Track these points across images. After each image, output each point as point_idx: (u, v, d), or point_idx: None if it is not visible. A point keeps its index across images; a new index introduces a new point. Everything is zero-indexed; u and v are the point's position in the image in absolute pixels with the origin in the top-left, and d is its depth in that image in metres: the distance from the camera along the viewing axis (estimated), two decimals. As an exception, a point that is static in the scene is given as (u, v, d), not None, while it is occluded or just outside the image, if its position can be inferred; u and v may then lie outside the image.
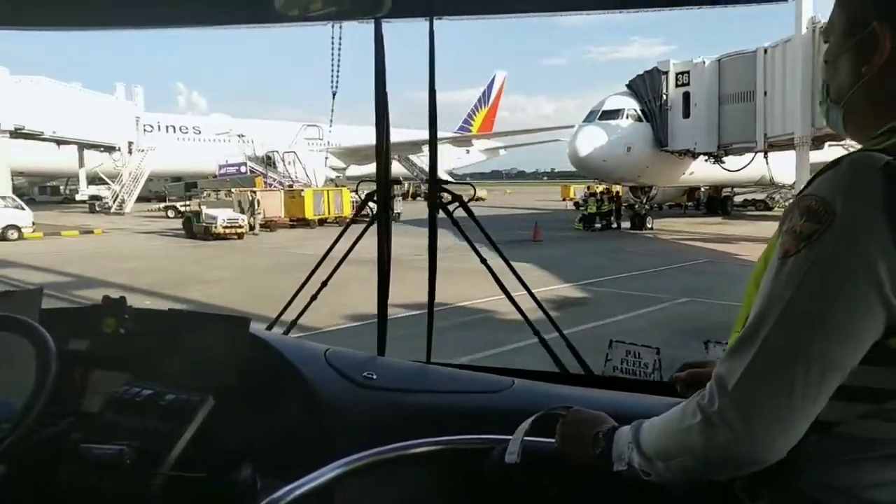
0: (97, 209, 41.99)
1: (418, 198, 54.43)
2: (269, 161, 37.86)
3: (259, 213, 26.24)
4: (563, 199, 54.18)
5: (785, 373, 0.84)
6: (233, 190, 27.34)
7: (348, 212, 30.49)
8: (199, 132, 57.47)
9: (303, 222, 28.46)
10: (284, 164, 34.40)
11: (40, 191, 56.93)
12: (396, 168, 59.74)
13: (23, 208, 23.67)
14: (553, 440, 1.18)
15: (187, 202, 36.26)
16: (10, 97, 32.18)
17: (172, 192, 40.43)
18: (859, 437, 0.88)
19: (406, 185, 59.36)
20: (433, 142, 2.13)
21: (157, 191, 48.99)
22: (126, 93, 45.22)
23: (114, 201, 41.48)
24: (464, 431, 1.46)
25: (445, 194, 2.13)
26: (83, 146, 42.29)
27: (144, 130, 46.18)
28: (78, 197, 47.24)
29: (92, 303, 1.90)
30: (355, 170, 59.76)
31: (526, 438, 1.22)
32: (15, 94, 33.41)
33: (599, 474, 1.09)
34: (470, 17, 1.83)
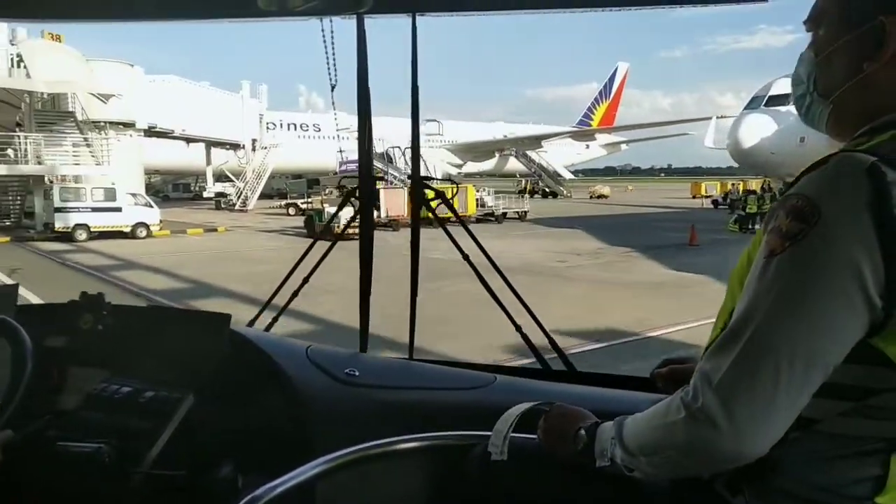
0: (222, 206, 42.89)
1: (536, 195, 52.30)
2: (388, 158, 36.87)
3: (382, 211, 25.01)
4: (694, 197, 50.39)
5: (769, 370, 0.83)
6: (355, 187, 26.16)
7: (473, 210, 28.81)
8: (319, 129, 58.10)
9: (425, 221, 26.91)
10: (406, 160, 33.18)
11: (173, 188, 59.44)
12: (515, 164, 58.09)
13: (151, 206, 23.60)
14: (535, 436, 1.17)
15: (308, 199, 36.14)
16: (144, 96, 32.88)
17: (293, 190, 40.50)
18: (841, 434, 0.89)
19: (523, 182, 57.23)
20: (415, 140, 2.10)
21: (279, 188, 49.63)
22: (251, 91, 45.88)
23: (238, 198, 42.14)
24: (446, 428, 1.45)
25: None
26: (210, 144, 43.50)
27: (267, 128, 46.76)
28: (205, 194, 48.74)
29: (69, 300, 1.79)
30: (472, 166, 58.49)
31: (512, 435, 1.21)
32: (149, 93, 34.20)
33: (583, 470, 1.08)
34: (451, 13, 1.77)
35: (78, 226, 21.90)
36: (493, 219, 30.13)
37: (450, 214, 2.30)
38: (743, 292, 0.91)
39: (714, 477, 1.01)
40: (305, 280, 2.22)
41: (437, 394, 1.63)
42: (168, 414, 1.51)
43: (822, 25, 0.99)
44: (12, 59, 27.84)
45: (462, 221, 2.17)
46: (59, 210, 21.78)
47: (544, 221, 27.69)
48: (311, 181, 25.82)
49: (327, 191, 25.25)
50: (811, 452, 0.92)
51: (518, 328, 2.03)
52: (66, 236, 21.64)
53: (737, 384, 0.85)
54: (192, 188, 60.35)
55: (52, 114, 27.69)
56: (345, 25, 1.91)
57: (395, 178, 32.97)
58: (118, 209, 22.61)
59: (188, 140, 40.94)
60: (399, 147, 33.53)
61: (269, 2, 1.49)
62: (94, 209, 22.32)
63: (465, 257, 2.11)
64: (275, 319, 2.21)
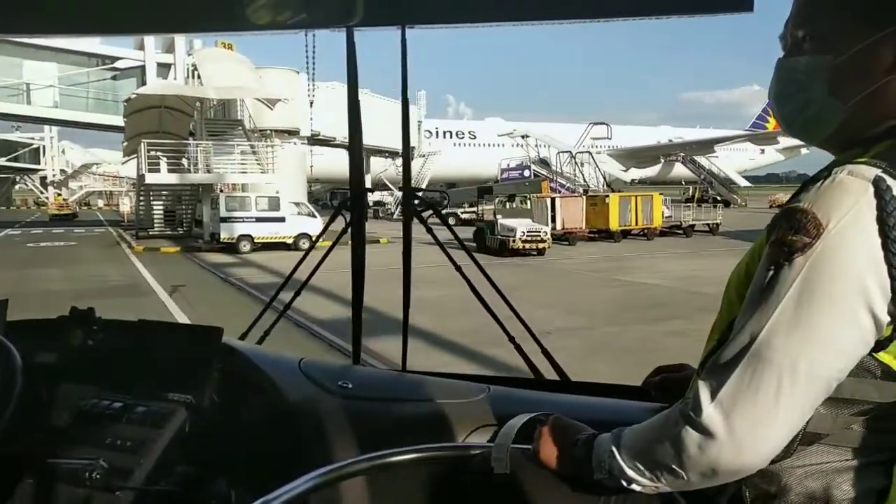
0: (380, 215, 42.37)
1: (705, 203, 47.08)
2: (545, 163, 34.10)
3: (557, 223, 22.23)
4: None
5: (771, 384, 0.82)
6: (529, 196, 23.62)
7: (659, 222, 25.21)
8: (475, 137, 56.85)
9: (604, 234, 23.81)
10: (578, 166, 30.21)
11: (331, 196, 60.19)
12: (680, 170, 53.28)
13: (314, 216, 22.44)
14: (531, 447, 1.15)
15: (471, 209, 34.28)
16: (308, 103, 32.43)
17: (455, 199, 38.83)
18: (846, 447, 0.89)
19: (690, 190, 51.97)
20: (406, 151, 2.04)
21: (433, 197, 48.29)
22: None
23: (396, 207, 41.28)
24: (440, 439, 1.43)
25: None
26: (370, 152, 43.26)
27: (424, 136, 45.77)
28: (363, 203, 48.60)
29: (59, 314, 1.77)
30: (636, 173, 54.43)
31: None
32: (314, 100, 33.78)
33: (580, 482, 1.08)
34: (441, 25, 1.75)
35: (242, 236, 21.09)
36: (679, 231, 26.32)
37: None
38: (745, 305, 0.88)
39: (717, 491, 0.96)
40: (297, 292, 2.12)
41: (430, 405, 1.57)
42: (160, 429, 1.50)
43: (824, 29, 0.92)
44: (188, 70, 28.31)
45: (454, 232, 2.02)
46: (224, 220, 21.08)
47: (739, 235, 23.40)
48: (483, 189, 23.57)
49: (497, 200, 22.73)
50: (816, 465, 0.90)
51: (511, 339, 1.96)
52: (231, 247, 20.90)
53: (738, 397, 0.83)
54: (349, 197, 60.54)
55: (221, 122, 27.67)
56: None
57: (562, 185, 30.03)
58: (281, 219, 21.53)
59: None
60: (569, 151, 30.56)
61: (259, 15, 1.46)
62: (258, 219, 21.43)
63: (458, 268, 2.03)
64: (267, 332, 2.09)
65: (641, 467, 0.95)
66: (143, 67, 28.91)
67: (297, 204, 22.51)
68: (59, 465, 1.44)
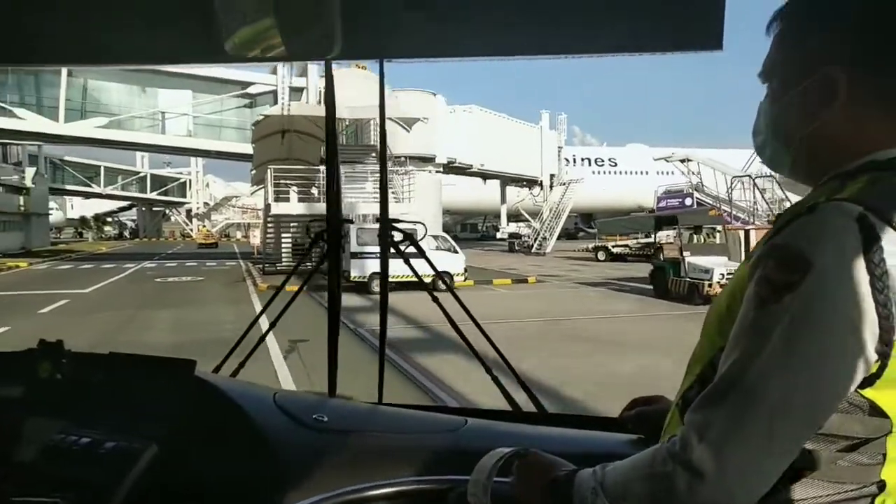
0: (516, 248, 39.37)
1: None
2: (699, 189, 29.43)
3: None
4: None
5: (762, 423, 0.81)
6: (718, 228, 19.31)
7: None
8: (615, 164, 52.79)
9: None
10: (760, 193, 25.34)
11: (461, 228, 58.14)
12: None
13: (456, 251, 19.42)
14: (508, 479, 1.12)
15: (621, 241, 30.32)
16: (444, 128, 29.92)
17: (605, 230, 34.84)
18: (832, 482, 0.88)
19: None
20: (384, 181, 2.13)
21: (566, 227, 44.85)
22: (550, 122, 41.72)
23: (535, 240, 37.93)
24: (418, 472, 1.43)
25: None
26: (506, 180, 40.54)
27: (563, 164, 42.28)
28: (498, 235, 45.87)
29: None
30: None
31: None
32: (449, 125, 31.26)
33: None
34: (419, 59, 1.75)
35: (375, 274, 18.35)
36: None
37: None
38: (732, 343, 0.87)
39: None
40: (272, 325, 2.12)
41: (407, 438, 1.57)
42: (129, 465, 1.45)
43: (774, 77, 0.99)
44: (320, 94, 26.58)
45: (432, 265, 2.07)
46: (355, 255, 18.46)
47: None
48: (665, 220, 19.56)
49: (676, 232, 18.57)
50: (801, 501, 0.88)
51: (488, 370, 1.94)
52: (362, 286, 18.24)
53: (729, 437, 0.82)
54: (479, 228, 58.41)
55: (353, 148, 25.55)
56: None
57: (736, 217, 25.25)
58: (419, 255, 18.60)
59: (485, 176, 38.04)
60: (748, 176, 25.77)
61: (241, 47, 1.47)
62: (393, 254, 18.68)
63: (435, 299, 2.05)
64: (241, 365, 2.06)
65: None
66: (275, 92, 27.64)
67: (435, 237, 19.56)
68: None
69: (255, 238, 33.96)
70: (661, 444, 0.90)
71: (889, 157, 0.88)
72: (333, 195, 2.02)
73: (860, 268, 0.79)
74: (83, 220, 79.98)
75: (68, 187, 64.21)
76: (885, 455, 0.86)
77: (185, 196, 79.38)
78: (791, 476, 0.86)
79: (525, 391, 1.87)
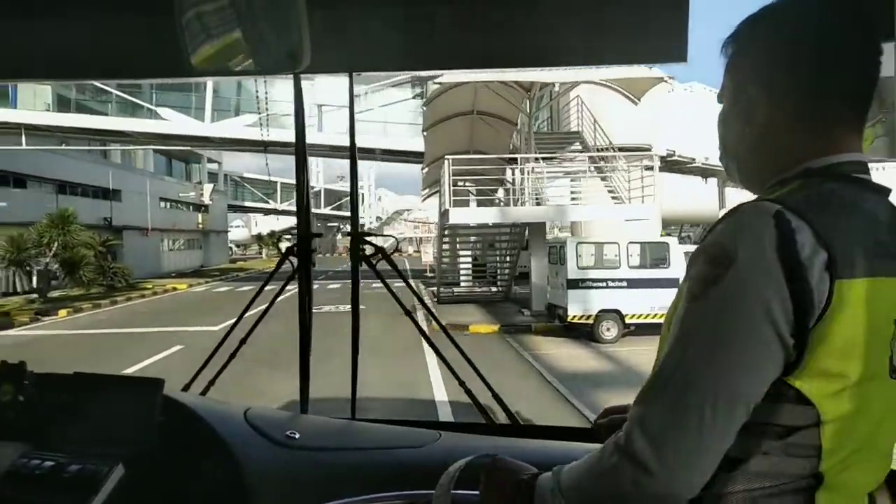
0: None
1: None
2: None
3: None
4: None
5: (694, 411, 0.86)
6: None
7: None
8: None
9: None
10: None
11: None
12: None
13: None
14: (477, 492, 1.14)
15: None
16: (661, 111, 22.90)
17: None
18: (766, 474, 0.92)
19: None
20: (354, 194, 2.11)
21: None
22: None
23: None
24: (390, 488, 1.44)
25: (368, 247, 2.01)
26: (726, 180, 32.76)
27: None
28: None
29: None
30: None
31: (452, 492, 1.17)
32: (667, 107, 24.14)
33: None
34: (386, 72, 1.24)
35: (604, 312, 12.07)
36: None
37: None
38: (668, 338, 0.93)
39: None
40: (243, 341, 2.05)
41: (380, 453, 1.57)
42: (94, 488, 1.43)
43: (723, 99, 1.08)
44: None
45: (404, 277, 2.07)
46: (574, 283, 12.29)
47: None
48: None
49: None
50: (740, 493, 0.92)
51: (462, 383, 1.93)
52: (584, 330, 12.07)
53: (665, 427, 0.86)
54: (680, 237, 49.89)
55: (553, 137, 19.50)
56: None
57: None
58: (672, 281, 11.72)
59: (705, 175, 30.49)
60: None
61: (211, 61, 1.46)
62: (631, 282, 12.23)
63: (407, 313, 2.06)
64: (211, 382, 2.02)
65: (581, 502, 0.96)
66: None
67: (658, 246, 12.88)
68: None
69: (427, 255, 29.07)
70: (611, 438, 0.92)
71: (822, 165, 0.96)
72: (304, 208, 1.98)
73: (775, 260, 0.84)
74: (259, 236, 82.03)
75: (247, 204, 64.87)
76: (819, 448, 0.89)
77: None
78: (727, 466, 0.89)
79: (499, 404, 1.87)
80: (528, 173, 15.62)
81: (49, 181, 27.52)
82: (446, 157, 15.02)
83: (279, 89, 16.31)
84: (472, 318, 15.01)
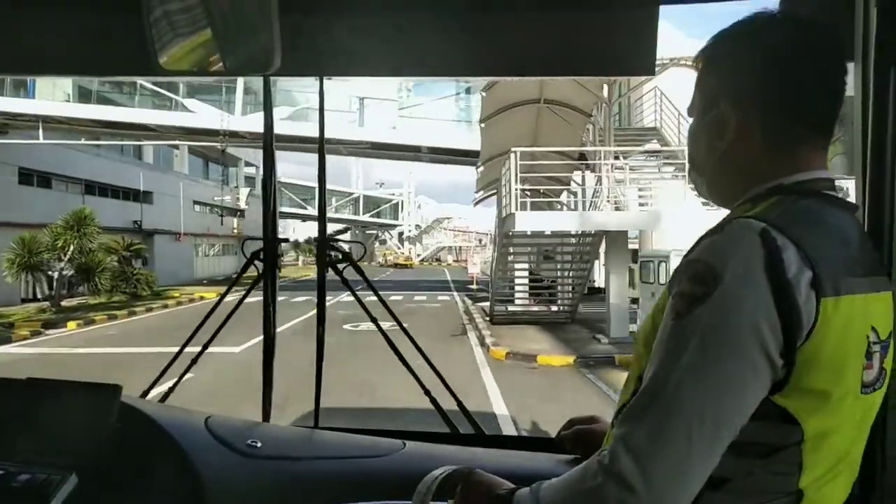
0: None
1: None
2: None
3: None
4: None
5: (681, 432, 0.86)
6: None
7: None
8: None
9: None
10: None
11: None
12: None
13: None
14: (448, 503, 1.15)
15: None
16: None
17: None
18: (748, 492, 0.92)
19: None
20: (322, 199, 2.05)
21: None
22: None
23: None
24: (353, 498, 1.42)
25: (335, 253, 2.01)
26: None
27: None
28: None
29: None
30: None
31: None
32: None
33: None
34: (358, 77, 1.79)
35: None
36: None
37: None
38: (652, 356, 0.92)
39: None
40: (205, 346, 2.01)
41: (343, 463, 1.56)
42: (45, 498, 1.40)
43: (692, 114, 1.09)
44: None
45: (370, 284, 2.04)
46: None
47: None
48: None
49: None
50: None
51: (427, 392, 1.92)
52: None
53: (651, 447, 0.86)
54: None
55: (626, 133, 16.95)
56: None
57: None
58: None
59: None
60: None
61: (180, 62, 1.46)
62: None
63: (373, 320, 1.99)
64: (171, 389, 1.98)
65: None
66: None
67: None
68: None
69: (475, 266, 26.62)
70: (593, 457, 0.92)
71: (793, 182, 0.97)
72: (270, 215, 1.95)
73: (763, 279, 0.84)
74: (297, 243, 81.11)
75: (284, 210, 63.59)
76: (800, 465, 0.90)
77: (397, 218, 76.62)
78: (712, 486, 0.89)
79: (463, 413, 1.87)
80: (610, 171, 13.06)
81: (76, 181, 26.04)
82: (513, 149, 12.56)
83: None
84: (539, 346, 12.52)
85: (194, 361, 1.98)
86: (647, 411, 0.87)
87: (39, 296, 21.33)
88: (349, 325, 15.37)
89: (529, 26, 1.51)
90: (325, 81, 1.89)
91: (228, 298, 2.10)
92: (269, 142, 1.94)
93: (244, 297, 2.01)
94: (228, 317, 1.98)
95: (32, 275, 19.30)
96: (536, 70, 1.70)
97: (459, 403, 1.87)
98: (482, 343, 13.39)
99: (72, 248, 19.03)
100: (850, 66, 1.08)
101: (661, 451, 0.85)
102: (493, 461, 1.46)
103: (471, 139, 20.29)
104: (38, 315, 17.78)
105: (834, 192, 0.98)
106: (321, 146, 1.98)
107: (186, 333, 1.98)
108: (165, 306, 21.38)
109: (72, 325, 16.41)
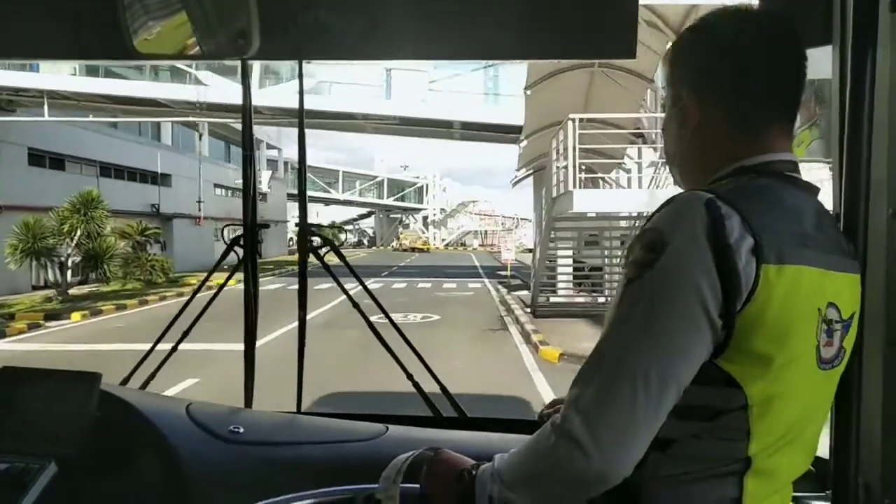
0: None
1: None
2: None
3: None
4: None
5: (626, 391, 0.88)
6: None
7: None
8: None
9: None
10: None
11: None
12: None
13: None
14: (419, 485, 1.14)
15: None
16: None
17: None
18: (695, 457, 0.95)
19: None
20: (302, 185, 2.03)
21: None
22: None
23: None
24: (336, 483, 1.41)
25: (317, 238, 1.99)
26: None
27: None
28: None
29: None
30: None
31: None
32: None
33: None
34: (336, 60, 1.85)
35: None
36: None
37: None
38: (605, 321, 0.96)
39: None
40: (186, 333, 2.00)
41: (326, 448, 1.57)
42: (24, 487, 1.39)
43: (665, 109, 1.14)
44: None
45: (353, 270, 2.02)
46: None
47: None
48: None
49: None
50: (670, 476, 0.95)
51: (409, 376, 1.95)
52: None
53: (598, 407, 0.88)
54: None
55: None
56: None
57: None
58: None
59: None
60: None
61: (158, 46, 1.49)
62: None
63: (356, 305, 2.03)
64: (152, 376, 1.97)
65: (519, 486, 0.98)
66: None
67: None
68: None
69: (509, 251, 24.93)
70: (548, 421, 0.94)
71: (754, 163, 1.01)
72: (250, 200, 1.94)
73: (706, 244, 0.88)
74: (319, 227, 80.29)
75: (308, 193, 62.52)
76: (748, 432, 0.93)
77: (421, 202, 75.05)
78: (659, 447, 0.92)
79: (446, 396, 1.87)
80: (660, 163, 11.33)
81: (90, 162, 24.81)
82: (570, 115, 10.83)
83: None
84: (584, 335, 10.94)
85: (175, 348, 1.94)
86: (596, 373, 0.90)
87: (52, 282, 20.18)
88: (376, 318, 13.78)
89: (508, 8, 1.52)
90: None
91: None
92: (248, 124, 1.95)
93: (227, 280, 1.97)
94: (207, 305, 1.95)
95: (40, 261, 18.05)
96: (517, 53, 1.74)
97: (442, 387, 1.87)
98: (527, 340, 11.79)
99: (79, 232, 17.77)
100: (825, 50, 1.16)
101: (607, 411, 0.87)
102: (475, 444, 1.47)
103: (498, 113, 18.55)
104: (41, 305, 16.54)
105: (796, 174, 1.02)
106: (301, 132, 1.98)
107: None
108: (181, 294, 20.04)
109: (76, 316, 15.12)
